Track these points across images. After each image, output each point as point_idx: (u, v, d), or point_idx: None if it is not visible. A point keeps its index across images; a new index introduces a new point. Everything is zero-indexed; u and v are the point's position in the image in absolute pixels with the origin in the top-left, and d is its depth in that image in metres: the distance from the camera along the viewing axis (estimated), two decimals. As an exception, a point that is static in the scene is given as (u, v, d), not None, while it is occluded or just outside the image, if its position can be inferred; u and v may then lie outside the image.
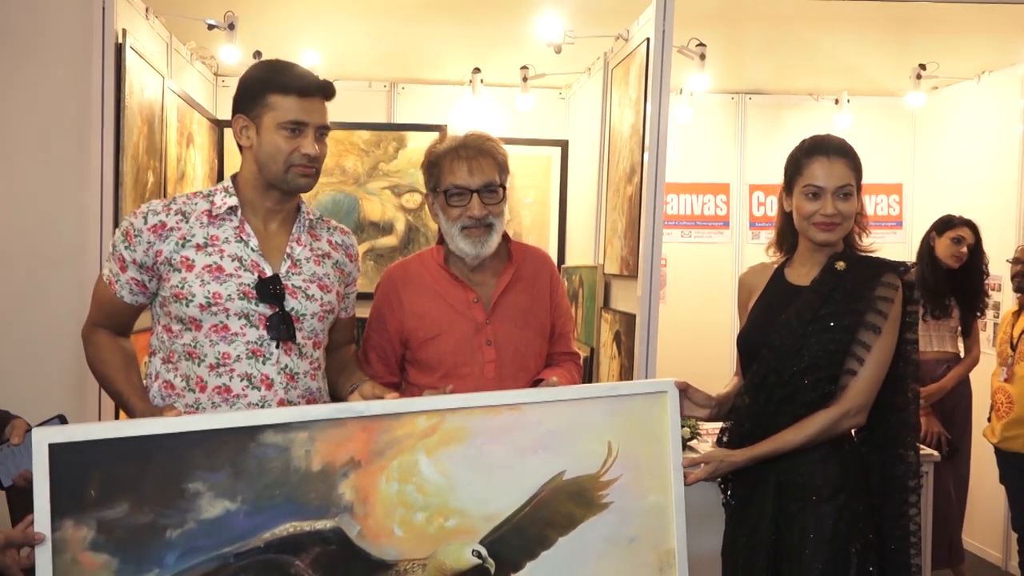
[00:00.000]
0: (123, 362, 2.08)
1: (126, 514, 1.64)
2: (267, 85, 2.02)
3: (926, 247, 4.25)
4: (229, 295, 1.99)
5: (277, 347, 2.02)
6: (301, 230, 2.14)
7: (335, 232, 2.25)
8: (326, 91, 2.07)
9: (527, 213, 5.04)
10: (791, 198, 2.24)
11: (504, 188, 2.29)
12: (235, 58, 4.10)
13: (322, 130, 2.06)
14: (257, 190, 2.08)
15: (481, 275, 2.33)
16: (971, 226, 4.21)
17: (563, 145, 5.02)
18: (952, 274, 4.18)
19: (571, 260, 4.82)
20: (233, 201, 2.06)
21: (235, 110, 2.08)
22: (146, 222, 2.03)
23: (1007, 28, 4.21)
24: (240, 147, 2.10)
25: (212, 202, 2.07)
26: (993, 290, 4.75)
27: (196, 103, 4.32)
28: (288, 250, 2.10)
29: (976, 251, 4.19)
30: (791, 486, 2.14)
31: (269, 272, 2.04)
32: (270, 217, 2.11)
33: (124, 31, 3.16)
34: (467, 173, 2.23)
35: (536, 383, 2.28)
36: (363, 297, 2.36)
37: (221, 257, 2.02)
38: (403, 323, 2.31)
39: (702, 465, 2.12)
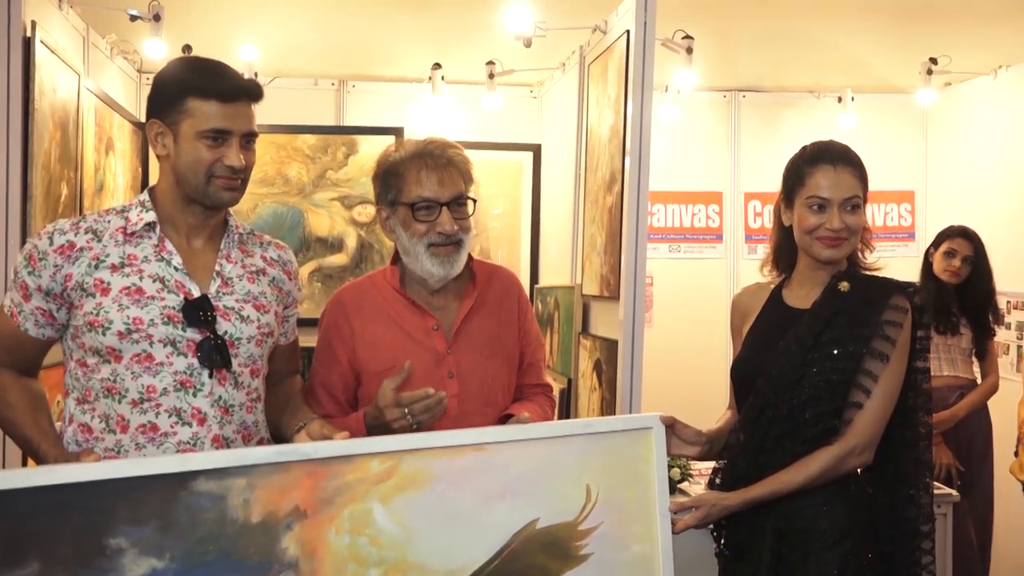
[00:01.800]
0: (30, 404, 2.07)
1: (36, 575, 1.62)
2: (185, 88, 2.02)
3: (926, 262, 4.33)
4: (152, 320, 1.99)
5: (210, 376, 2.03)
6: (231, 246, 2.15)
7: (269, 247, 2.26)
8: (252, 93, 2.08)
9: (496, 225, 5.07)
10: (791, 211, 2.28)
11: (473, 200, 2.31)
12: (161, 53, 4.10)
13: (248, 137, 2.07)
14: (177, 204, 2.09)
15: (442, 299, 2.35)
16: (968, 236, 4.26)
17: (535, 149, 5.05)
18: (958, 291, 4.24)
19: (545, 279, 4.84)
20: (151, 216, 2.06)
21: (149, 115, 2.08)
22: (52, 243, 2.02)
23: (1025, 19, 4.30)
24: (156, 156, 2.10)
25: (127, 218, 2.07)
26: (1016, 308, 4.83)
27: (117, 104, 4.31)
28: (217, 268, 2.11)
29: (977, 264, 4.24)
30: (791, 532, 2.17)
31: (196, 293, 2.04)
32: (194, 233, 2.11)
33: (33, 23, 3.15)
34: (437, 184, 2.24)
35: (504, 419, 2.29)
36: (309, 324, 2.36)
37: (140, 278, 2.02)
38: (354, 353, 2.32)
39: (692, 510, 2.14)
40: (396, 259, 2.38)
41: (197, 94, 2.01)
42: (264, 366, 2.18)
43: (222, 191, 2.05)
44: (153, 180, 2.21)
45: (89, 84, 3.87)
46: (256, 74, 4.74)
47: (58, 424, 2.11)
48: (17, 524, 1.63)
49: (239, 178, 2.06)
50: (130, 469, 1.73)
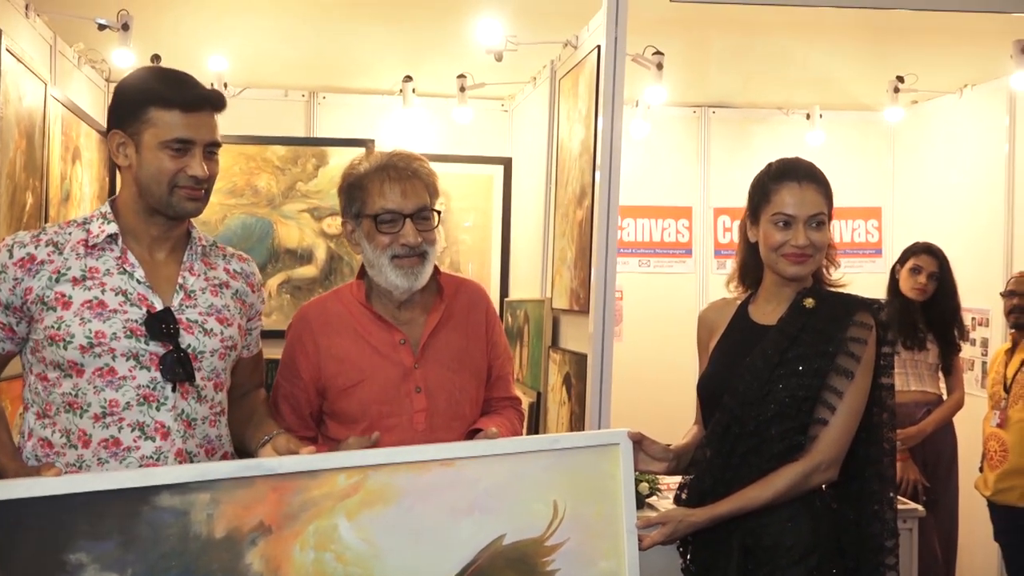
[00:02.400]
0: None
1: (-5, 592, 1.61)
2: (146, 97, 2.01)
3: (892, 278, 4.37)
4: (114, 333, 1.98)
5: (173, 390, 2.02)
6: (193, 258, 2.14)
7: (232, 259, 2.25)
8: (215, 103, 2.07)
9: (466, 238, 5.07)
10: (757, 227, 2.29)
11: (437, 212, 2.31)
12: (129, 62, 4.08)
13: (211, 147, 2.07)
14: (139, 215, 2.07)
15: (408, 312, 2.34)
16: (932, 252, 4.30)
17: (506, 163, 5.07)
18: (924, 307, 4.28)
19: (515, 293, 4.85)
20: (113, 228, 2.05)
21: (111, 125, 2.07)
22: (11, 256, 2.01)
23: (991, 39, 4.36)
24: (118, 167, 2.09)
25: (88, 230, 2.05)
26: (981, 325, 4.89)
27: (84, 113, 4.28)
28: (180, 280, 2.10)
29: (943, 280, 4.29)
30: (757, 548, 2.17)
31: (159, 306, 2.03)
32: (156, 245, 2.10)
33: None
34: (400, 196, 2.25)
35: (472, 434, 2.29)
36: (277, 336, 2.35)
37: (103, 291, 2.01)
38: (320, 369, 2.31)
39: (659, 526, 2.14)
40: (363, 273, 2.37)
41: (159, 103, 2.00)
42: (227, 379, 2.17)
43: (185, 201, 2.04)
44: (121, 190, 2.19)
45: (56, 93, 3.84)
46: (226, 85, 4.74)
47: (17, 439, 2.09)
48: (-25, 540, 1.61)
49: (202, 188, 2.05)
50: (91, 483, 1.72)
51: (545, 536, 2.00)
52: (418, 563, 1.89)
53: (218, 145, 2.09)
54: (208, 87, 2.09)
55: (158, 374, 2.00)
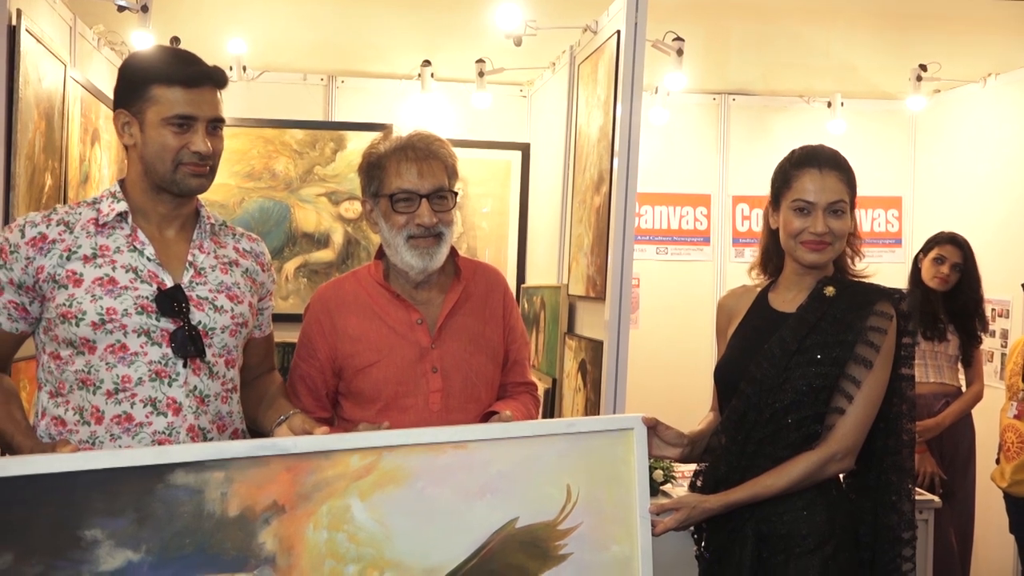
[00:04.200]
0: (2, 398, 2.05)
1: (10, 565, 1.62)
2: (148, 75, 2.04)
3: (915, 268, 4.34)
4: (125, 310, 1.99)
5: (184, 366, 2.04)
6: (203, 236, 2.16)
7: (242, 239, 2.28)
8: (216, 79, 2.09)
9: (484, 224, 5.07)
10: (778, 214, 2.29)
11: (454, 194, 2.31)
12: (149, 44, 4.08)
13: (214, 123, 2.09)
14: (147, 193, 2.10)
15: (426, 293, 2.35)
16: (957, 242, 4.28)
17: (524, 149, 5.05)
18: (946, 298, 4.26)
19: (532, 279, 4.85)
20: (122, 207, 2.07)
21: (116, 105, 2.10)
22: (23, 236, 2.03)
23: (1015, 27, 4.32)
24: (125, 146, 2.11)
25: (98, 209, 2.08)
26: (1000, 316, 4.86)
27: (103, 95, 4.29)
28: (190, 258, 2.12)
29: (966, 271, 4.26)
30: (772, 536, 2.17)
31: (169, 283, 2.06)
32: (165, 223, 2.13)
33: (19, 11, 3.13)
34: (416, 176, 2.25)
35: (487, 417, 2.29)
36: (294, 319, 2.35)
37: (113, 268, 2.03)
38: (336, 349, 2.31)
39: (672, 512, 2.14)
40: (380, 254, 2.38)
41: (161, 81, 2.03)
42: (239, 357, 2.19)
43: (189, 178, 2.06)
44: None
45: (75, 74, 3.85)
46: (245, 68, 4.74)
47: (32, 419, 2.10)
48: (-9, 515, 1.62)
49: (207, 165, 2.08)
50: (107, 460, 1.72)
51: (558, 520, 2.00)
52: (430, 544, 1.89)
53: (221, 121, 2.11)
54: (212, 66, 2.10)
55: (169, 350, 2.02)
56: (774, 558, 2.17)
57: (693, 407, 3.90)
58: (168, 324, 2.03)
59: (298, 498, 1.81)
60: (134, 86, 2.05)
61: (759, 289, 2.39)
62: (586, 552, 2.01)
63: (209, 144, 2.06)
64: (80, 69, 4.04)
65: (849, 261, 2.31)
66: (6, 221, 3.05)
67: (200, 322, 2.06)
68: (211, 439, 2.07)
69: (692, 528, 2.27)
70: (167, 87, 2.02)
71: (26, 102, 3.21)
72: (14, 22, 3.11)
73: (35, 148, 3.36)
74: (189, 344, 2.02)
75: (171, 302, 2.02)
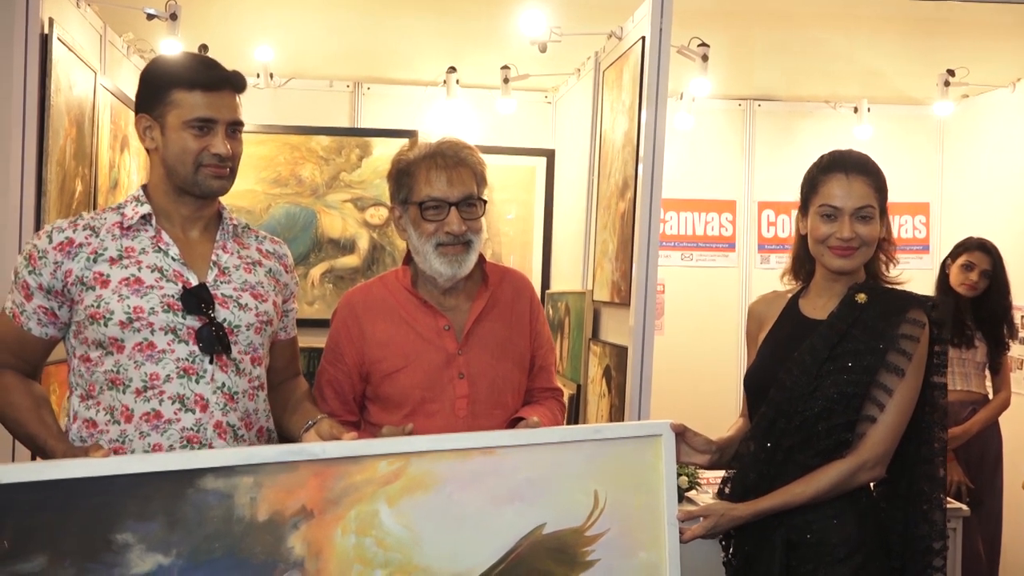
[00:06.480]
0: (33, 403, 2.07)
1: (43, 568, 1.63)
2: (168, 80, 2.08)
3: (942, 274, 4.31)
4: (152, 308, 2.02)
5: (211, 363, 2.06)
6: (226, 237, 2.20)
7: (265, 240, 2.31)
8: (235, 83, 2.13)
9: (508, 230, 5.07)
10: (807, 219, 2.27)
11: (483, 202, 2.31)
12: (178, 52, 4.11)
13: (234, 126, 2.12)
14: (169, 196, 2.13)
15: (453, 299, 2.35)
16: (986, 249, 4.24)
17: (549, 155, 5.06)
18: (974, 304, 4.22)
19: (557, 285, 4.84)
20: (146, 209, 2.11)
21: (137, 110, 2.14)
22: (51, 241, 2.07)
23: (1044, 33, 4.29)
24: (147, 150, 2.15)
25: (123, 213, 2.12)
26: (1029, 323, 4.81)
27: (133, 102, 4.32)
28: (214, 258, 2.15)
29: (995, 278, 4.22)
30: (802, 545, 2.15)
31: (195, 281, 2.09)
32: (189, 225, 2.16)
33: (51, 20, 3.17)
34: (446, 184, 2.25)
35: (514, 423, 2.29)
36: (321, 325, 2.36)
37: (139, 269, 2.06)
38: (363, 354, 2.32)
39: (700, 519, 2.12)
40: (408, 259, 2.38)
41: (182, 85, 2.07)
42: (265, 355, 2.21)
43: (211, 179, 2.10)
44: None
45: (105, 82, 3.89)
46: (272, 75, 4.77)
47: (63, 422, 2.13)
48: (25, 517, 1.63)
49: (227, 167, 2.11)
50: (138, 465, 1.73)
51: (586, 526, 2.00)
52: (458, 550, 1.89)
53: (240, 124, 2.15)
54: (231, 70, 2.14)
55: (196, 348, 2.05)
56: (803, 567, 2.15)
57: (717, 413, 3.90)
58: (194, 322, 2.05)
59: (326, 503, 1.81)
60: (155, 91, 2.09)
61: (790, 295, 2.38)
62: (614, 558, 2.01)
63: (229, 146, 2.09)
64: (110, 77, 4.08)
65: (882, 267, 2.28)
66: (38, 226, 3.08)
67: (225, 320, 2.09)
68: (240, 435, 2.09)
69: (720, 536, 2.26)
70: (187, 91, 2.06)
71: (57, 109, 3.24)
72: (46, 30, 3.14)
73: (66, 155, 3.39)
74: (215, 341, 2.05)
75: (196, 300, 2.06)
